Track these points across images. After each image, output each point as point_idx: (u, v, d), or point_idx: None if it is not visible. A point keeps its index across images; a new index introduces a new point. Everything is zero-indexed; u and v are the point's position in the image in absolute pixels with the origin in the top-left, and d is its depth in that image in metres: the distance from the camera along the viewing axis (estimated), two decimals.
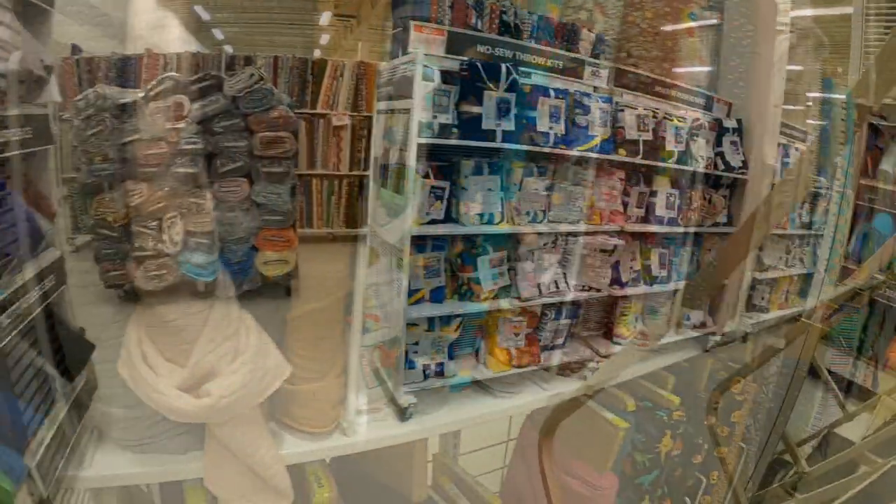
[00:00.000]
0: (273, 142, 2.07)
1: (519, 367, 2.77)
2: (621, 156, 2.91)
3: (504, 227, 2.51)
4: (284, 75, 3.50)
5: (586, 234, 2.83)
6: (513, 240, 2.63)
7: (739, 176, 3.67)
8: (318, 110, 3.65)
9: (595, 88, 2.79)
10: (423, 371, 2.45)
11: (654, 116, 2.97)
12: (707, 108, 3.42)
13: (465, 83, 2.22)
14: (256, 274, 2.19)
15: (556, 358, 3.00)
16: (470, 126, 2.25)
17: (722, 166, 3.49)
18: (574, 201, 2.81)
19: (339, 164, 3.71)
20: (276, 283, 2.28)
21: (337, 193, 3.73)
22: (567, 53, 2.70)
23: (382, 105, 2.56)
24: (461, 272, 2.53)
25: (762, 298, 4.79)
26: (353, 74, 3.72)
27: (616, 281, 3.17)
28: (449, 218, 2.40)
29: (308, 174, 3.62)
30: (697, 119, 3.26)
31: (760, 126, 3.65)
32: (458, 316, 2.50)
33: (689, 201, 3.46)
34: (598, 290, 3.06)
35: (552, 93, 2.49)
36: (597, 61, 2.82)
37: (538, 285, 2.71)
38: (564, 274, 2.90)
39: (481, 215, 2.42)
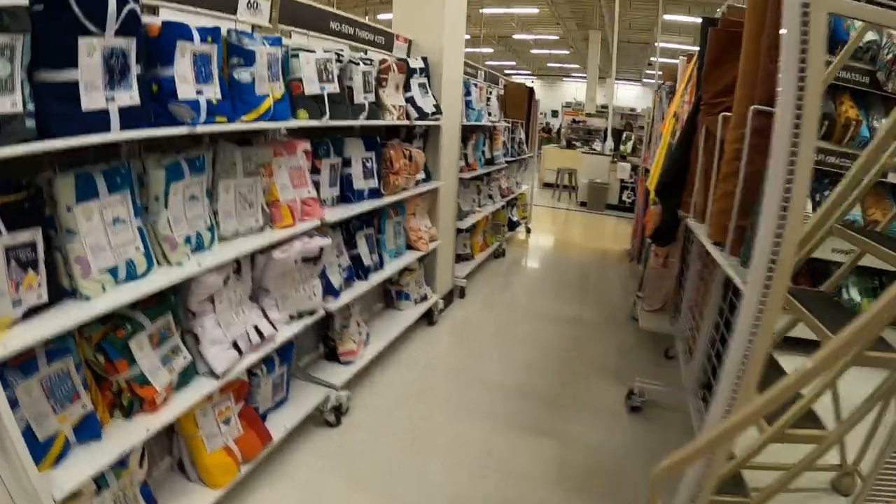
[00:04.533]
0: None
1: (248, 459, 2.11)
2: (302, 119, 2.36)
3: (157, 276, 1.71)
4: None
5: (279, 244, 2.23)
6: (176, 292, 1.84)
7: (433, 123, 3.57)
8: None
9: (254, 28, 2.13)
10: None
11: (339, 60, 2.49)
12: (387, 47, 3.15)
13: (44, 27, 1.28)
14: None
15: (287, 417, 2.44)
16: (59, 109, 1.34)
17: (415, 114, 3.31)
18: (249, 200, 2.16)
19: None
20: None
21: None
22: None
23: None
24: (111, 374, 1.65)
25: (464, 246, 5.08)
26: None
27: (329, 290, 2.71)
28: (58, 293, 1.47)
29: None
30: (385, 61, 2.93)
31: (448, 63, 3.62)
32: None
33: (390, 163, 3.18)
34: (312, 313, 2.55)
35: (196, 35, 1.73)
36: None
37: (234, 344, 2.02)
38: (263, 310, 2.27)
39: (113, 270, 1.56)
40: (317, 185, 2.66)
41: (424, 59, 3.40)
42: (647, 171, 5.65)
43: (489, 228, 5.73)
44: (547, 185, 11.95)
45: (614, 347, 4.11)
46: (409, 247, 3.77)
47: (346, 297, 2.86)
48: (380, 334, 3.46)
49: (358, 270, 3.10)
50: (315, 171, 2.66)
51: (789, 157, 1.29)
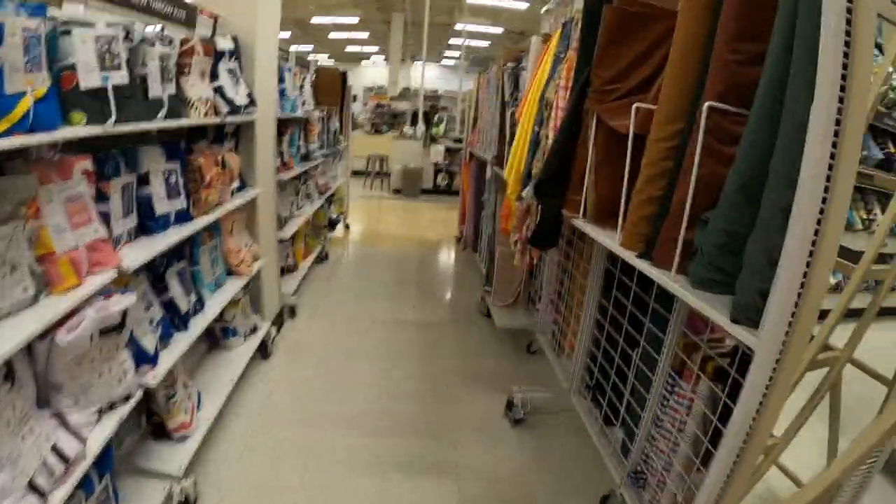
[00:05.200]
0: None
1: None
2: (78, 125, 1.63)
3: None
4: None
5: (63, 319, 1.52)
6: None
7: (246, 118, 2.92)
8: None
9: None
10: None
11: (129, 38, 1.78)
12: (188, 23, 2.41)
13: None
14: None
15: None
16: None
17: (226, 108, 2.64)
18: (8, 261, 1.41)
19: None
20: None
21: None
22: None
23: None
24: None
25: (287, 257, 4.48)
26: None
27: (143, 359, 2.01)
28: None
29: None
30: (188, 40, 2.24)
31: (263, 45, 2.94)
32: None
33: (200, 175, 2.50)
34: (127, 398, 1.85)
35: None
36: None
37: (30, 485, 1.30)
38: (60, 416, 1.54)
39: None
40: (106, 217, 1.91)
41: (235, 39, 2.72)
42: (472, 155, 5.49)
43: (310, 232, 5.13)
44: (356, 174, 11.45)
45: (473, 350, 3.88)
46: (230, 272, 3.09)
47: (166, 360, 2.16)
48: (212, 389, 2.77)
49: (175, 320, 2.38)
50: (102, 197, 1.91)
51: (822, 195, 1.11)
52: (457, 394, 3.28)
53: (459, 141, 9.59)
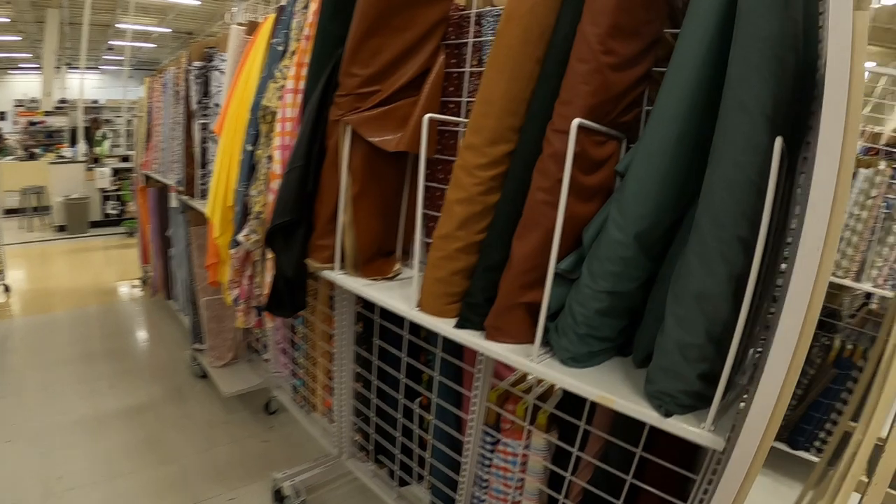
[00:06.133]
0: None
1: None
2: None
3: None
4: None
5: None
6: None
7: None
8: None
9: None
10: None
11: None
12: None
13: None
14: None
15: None
16: None
17: None
18: None
19: None
20: None
21: None
22: None
23: None
24: None
25: None
26: None
27: None
28: None
29: None
30: None
31: None
32: None
33: None
34: None
35: None
36: None
37: None
38: None
39: None
40: None
41: None
42: (148, 178, 4.35)
43: None
44: (11, 212, 8.66)
45: (204, 435, 2.99)
46: None
47: None
48: None
49: None
50: None
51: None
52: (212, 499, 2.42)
53: (128, 159, 7.98)
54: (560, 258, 1.06)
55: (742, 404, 0.94)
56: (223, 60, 2.48)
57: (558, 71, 1.03)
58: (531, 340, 1.12)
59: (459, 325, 1.26)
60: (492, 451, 1.61)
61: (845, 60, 0.72)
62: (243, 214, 2.03)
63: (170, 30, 14.24)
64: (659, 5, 1.05)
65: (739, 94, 0.82)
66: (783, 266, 1.03)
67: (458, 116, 1.56)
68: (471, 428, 1.65)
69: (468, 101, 1.54)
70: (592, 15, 0.98)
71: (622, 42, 0.98)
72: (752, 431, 0.81)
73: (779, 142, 0.80)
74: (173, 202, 3.57)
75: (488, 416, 1.61)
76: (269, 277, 1.87)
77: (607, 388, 1.02)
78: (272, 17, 1.93)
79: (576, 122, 0.93)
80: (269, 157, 1.79)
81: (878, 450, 1.26)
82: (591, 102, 0.98)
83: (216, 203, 2.23)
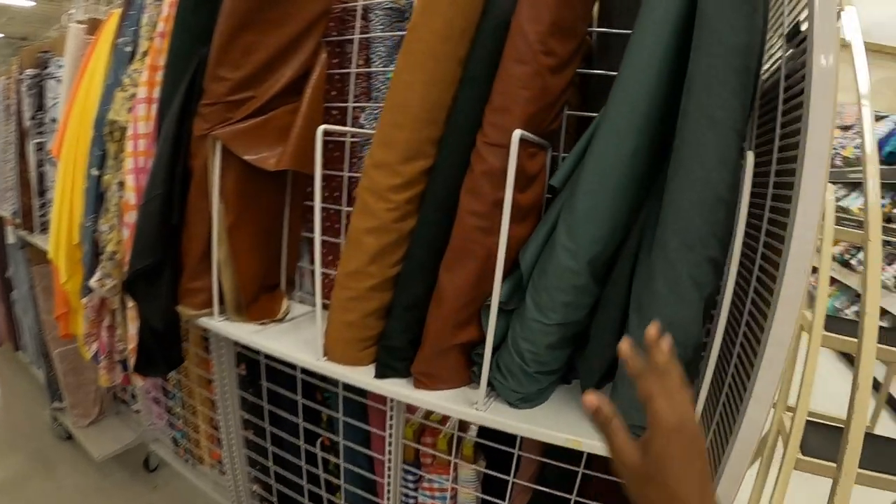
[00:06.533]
0: None
1: None
2: None
3: None
4: None
5: None
6: None
7: None
8: None
9: None
10: None
11: None
12: None
13: None
14: None
15: None
16: None
17: None
18: None
19: None
20: None
21: None
22: None
23: None
24: None
25: None
26: None
27: None
28: None
29: None
30: None
31: None
32: None
33: None
34: None
35: None
36: None
37: None
38: None
39: None
40: None
41: None
42: None
43: None
44: None
45: (78, 500, 2.54)
46: None
47: None
48: None
49: None
50: None
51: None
52: None
53: None
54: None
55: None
56: (60, 66, 2.09)
57: (487, 73, 0.85)
58: (467, 382, 0.94)
59: (380, 375, 1.04)
60: (415, 490, 1.47)
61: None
62: (94, 254, 1.68)
63: (1, 35, 12.85)
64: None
65: (706, 108, 0.72)
66: (752, 278, 0.92)
67: (344, 125, 1.34)
68: (389, 469, 1.46)
69: (354, 107, 1.33)
70: (533, 9, 0.81)
71: (561, 41, 0.83)
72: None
73: (750, 157, 0.70)
74: (10, 237, 3.04)
75: (406, 454, 1.47)
76: (132, 329, 1.55)
77: (567, 427, 0.91)
78: (118, 11, 1.61)
79: (517, 133, 0.75)
80: (121, 184, 1.47)
81: None
82: (530, 110, 0.81)
83: (59, 241, 1.86)
